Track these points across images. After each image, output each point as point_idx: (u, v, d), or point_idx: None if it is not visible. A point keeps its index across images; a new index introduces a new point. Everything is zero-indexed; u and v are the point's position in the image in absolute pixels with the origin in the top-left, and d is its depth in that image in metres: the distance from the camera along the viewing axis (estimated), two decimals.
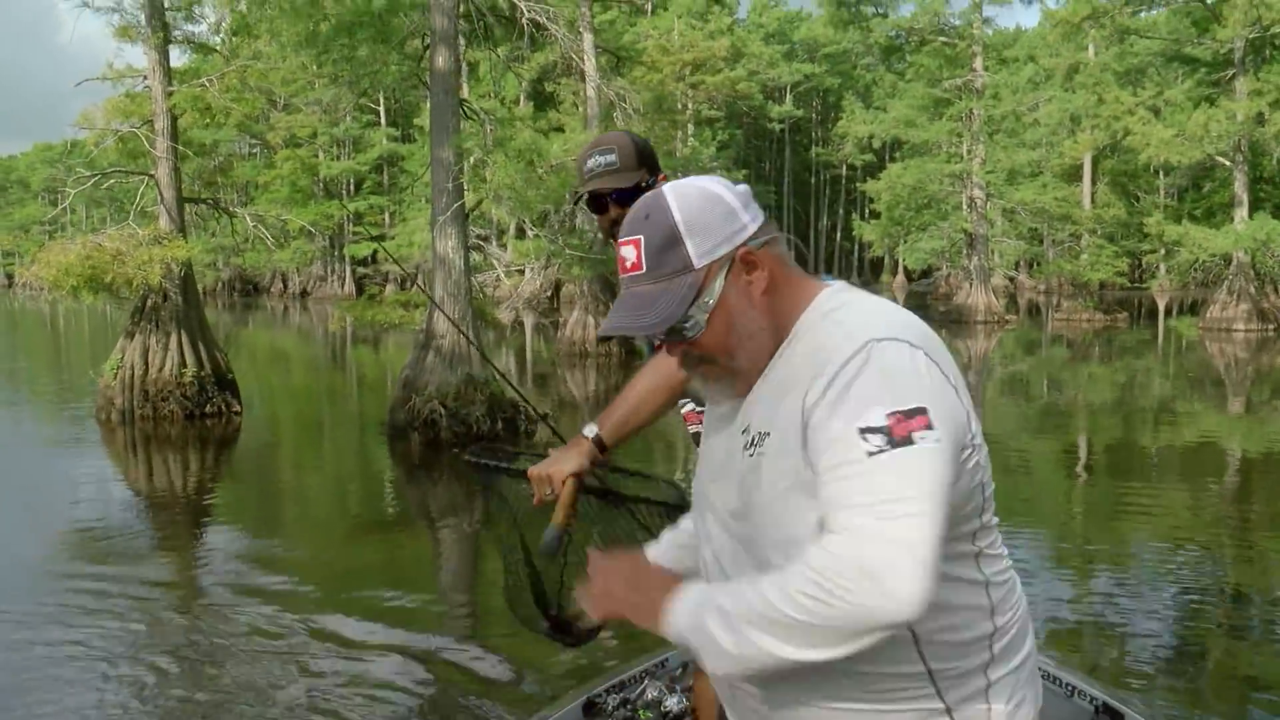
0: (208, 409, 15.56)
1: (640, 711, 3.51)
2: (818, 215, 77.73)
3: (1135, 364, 26.56)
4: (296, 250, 54.82)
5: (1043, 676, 3.69)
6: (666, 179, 2.71)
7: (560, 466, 2.37)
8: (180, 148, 15.68)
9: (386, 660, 6.28)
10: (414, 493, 12.39)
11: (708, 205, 1.61)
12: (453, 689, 5.96)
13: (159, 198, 15.63)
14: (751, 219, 1.63)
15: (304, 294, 65.00)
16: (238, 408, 16.01)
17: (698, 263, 1.58)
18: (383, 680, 5.98)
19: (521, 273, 35.41)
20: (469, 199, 14.56)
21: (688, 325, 1.59)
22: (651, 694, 3.58)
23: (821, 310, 1.62)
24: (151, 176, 15.67)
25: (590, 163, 2.66)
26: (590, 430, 2.45)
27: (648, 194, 1.65)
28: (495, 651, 6.41)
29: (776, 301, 1.63)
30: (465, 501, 11.45)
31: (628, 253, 1.61)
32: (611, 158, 2.64)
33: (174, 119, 15.44)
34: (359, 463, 14.18)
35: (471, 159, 14.16)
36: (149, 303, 15.35)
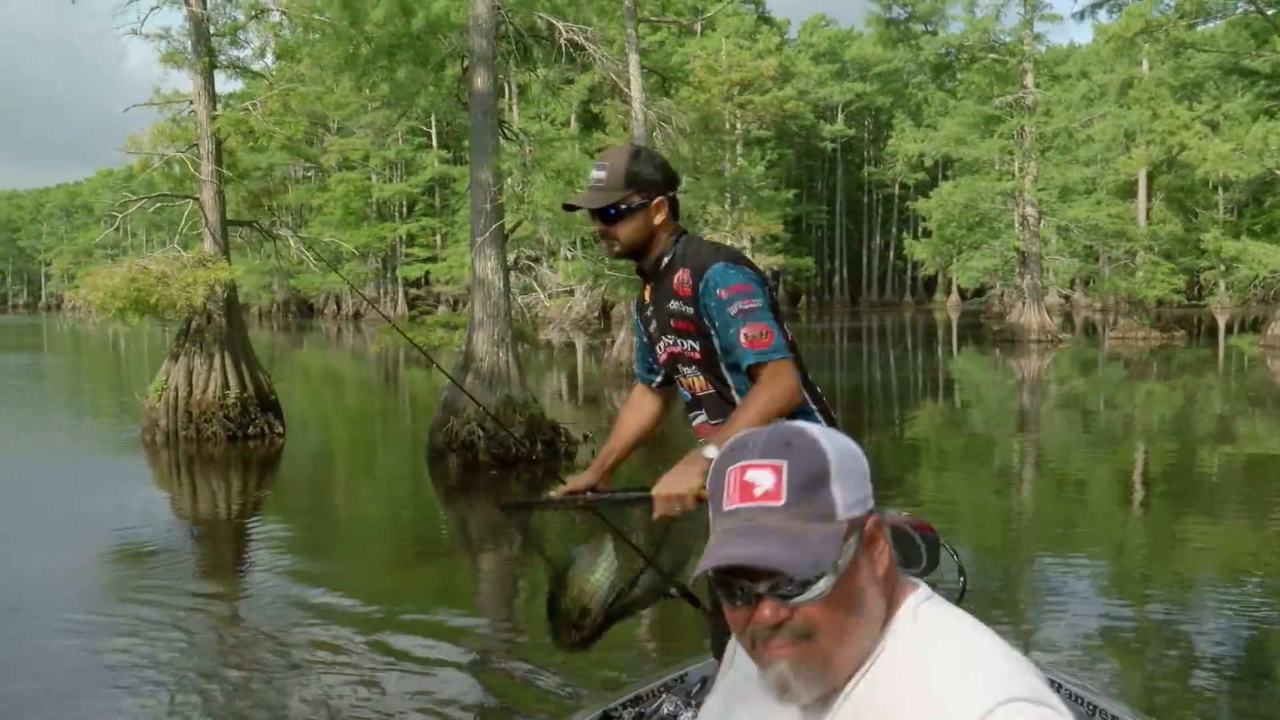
0: (250, 430, 15.67)
1: None
2: (870, 234, 77.27)
3: (1194, 382, 25.99)
4: (349, 272, 55.32)
5: (1066, 696, 3.62)
6: (666, 201, 2.72)
7: (690, 485, 2.49)
8: (225, 171, 15.84)
9: (416, 676, 6.32)
10: (452, 515, 12.39)
11: (852, 456, 1.40)
12: (477, 703, 5.99)
13: (204, 221, 15.79)
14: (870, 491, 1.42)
15: (357, 315, 65.62)
16: (280, 429, 16.10)
17: (841, 514, 1.34)
18: (411, 694, 6.02)
19: (571, 293, 35.47)
20: (508, 220, 14.55)
21: (819, 583, 1.32)
22: (668, 709, 3.47)
23: (911, 618, 1.40)
24: (197, 200, 15.83)
25: (590, 174, 2.72)
26: (711, 451, 2.50)
27: (787, 423, 1.47)
28: (520, 669, 6.47)
29: (886, 588, 1.40)
30: (501, 524, 11.43)
31: (762, 478, 1.34)
32: (602, 174, 2.68)
33: (218, 143, 15.61)
34: (398, 485, 14.17)
35: (509, 179, 14.15)
36: (193, 325, 15.50)
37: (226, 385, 15.55)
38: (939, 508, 11.59)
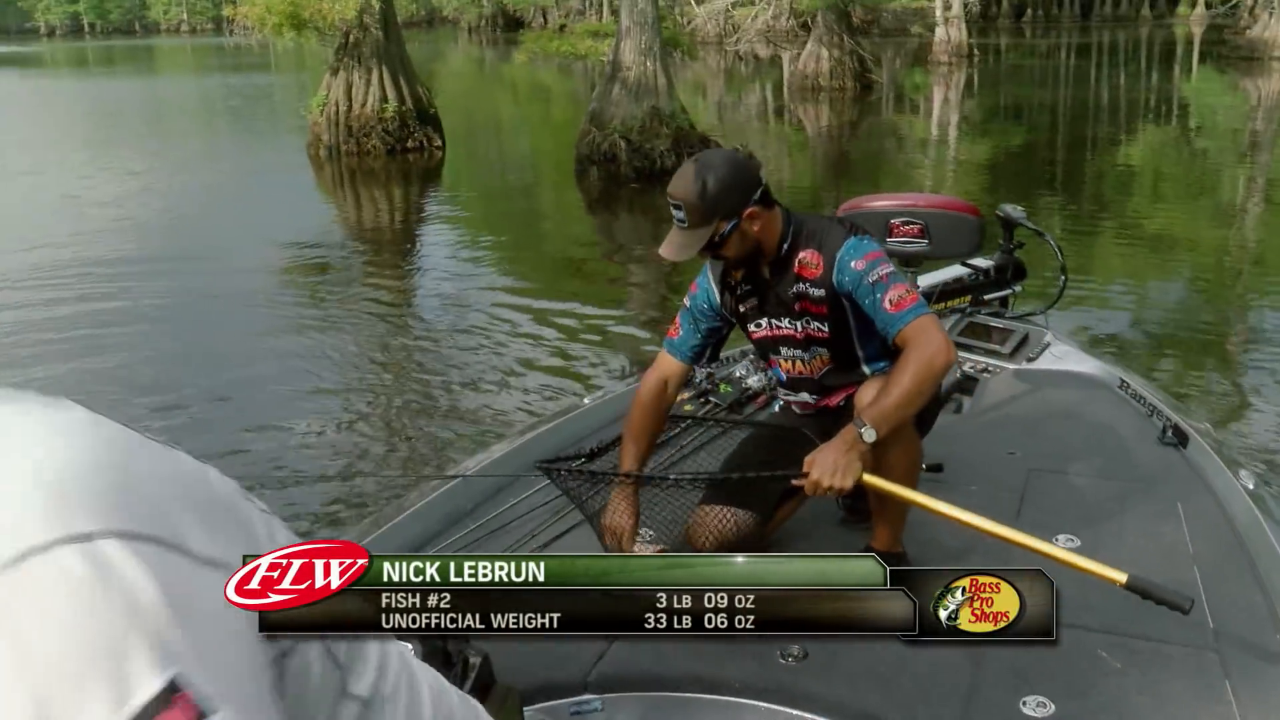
0: (409, 144, 15.84)
1: (721, 384, 3.77)
2: None
3: None
4: None
5: (1129, 395, 3.82)
6: (756, 212, 2.54)
7: (855, 473, 2.40)
8: None
9: (556, 354, 7.07)
10: (596, 224, 12.40)
11: None
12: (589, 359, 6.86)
13: None
14: None
15: (563, 28, 64.59)
16: (439, 142, 16.21)
17: None
18: (549, 367, 6.79)
19: (753, 3, 33.96)
20: None
21: None
22: (739, 372, 3.82)
23: None
24: None
25: (671, 209, 2.57)
26: (870, 435, 2.39)
27: None
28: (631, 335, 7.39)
29: None
30: (634, 234, 11.44)
31: None
32: (681, 214, 2.52)
33: None
34: (546, 196, 14.21)
35: None
36: (350, 39, 15.51)
37: (384, 99, 15.65)
38: (1152, 231, 11.00)
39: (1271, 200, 12.95)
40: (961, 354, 4.04)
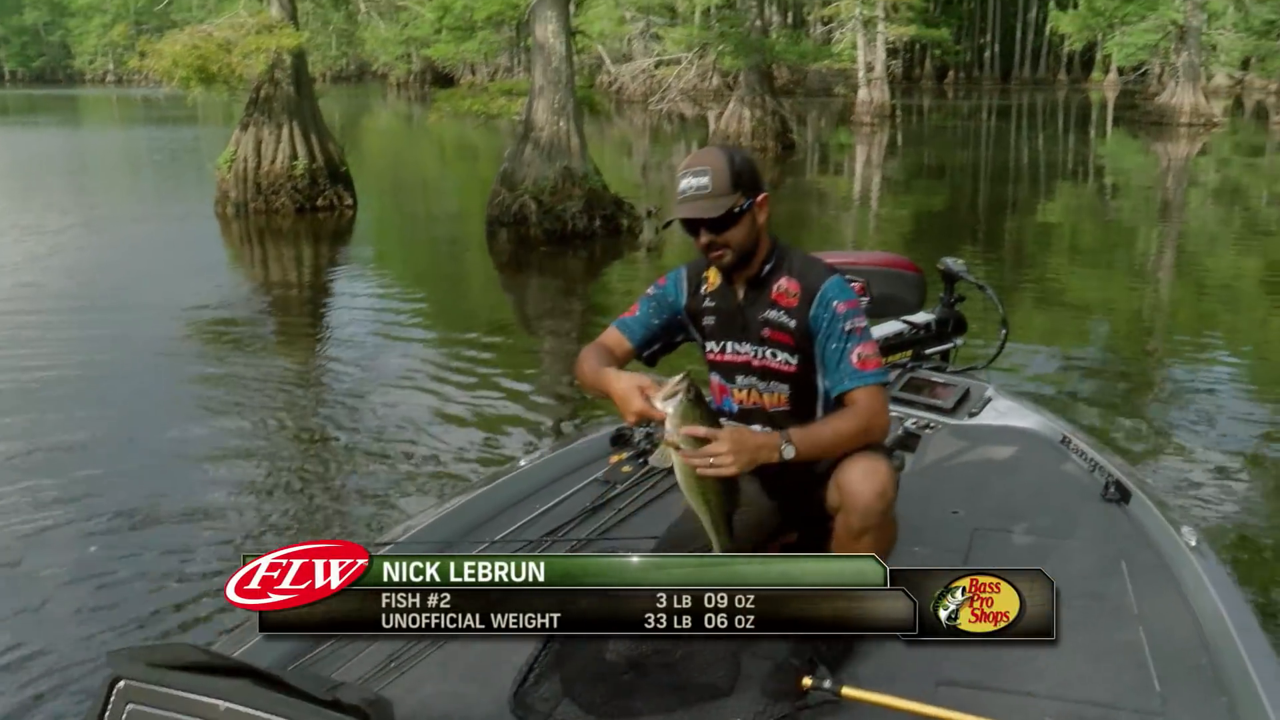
0: (319, 202, 15.56)
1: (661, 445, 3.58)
2: (1026, 6, 72.27)
3: None
4: (483, 41, 54.56)
5: (1071, 451, 3.84)
6: (768, 199, 2.58)
7: (767, 453, 2.40)
8: None
9: (464, 424, 6.77)
10: (505, 289, 12.22)
11: None
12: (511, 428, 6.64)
13: None
14: None
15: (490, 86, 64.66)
16: (350, 201, 15.94)
17: None
18: (459, 440, 6.46)
19: (678, 62, 34.21)
20: None
21: None
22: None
23: None
24: None
25: (683, 184, 2.55)
26: (789, 452, 2.40)
27: None
28: (558, 403, 7.20)
29: None
30: (543, 300, 11.27)
31: None
32: (704, 180, 2.53)
33: None
34: (457, 258, 13.97)
35: None
36: (262, 94, 15.26)
37: (295, 156, 15.39)
38: (1072, 287, 11.25)
39: (1184, 257, 13.32)
40: (904, 410, 4.11)
